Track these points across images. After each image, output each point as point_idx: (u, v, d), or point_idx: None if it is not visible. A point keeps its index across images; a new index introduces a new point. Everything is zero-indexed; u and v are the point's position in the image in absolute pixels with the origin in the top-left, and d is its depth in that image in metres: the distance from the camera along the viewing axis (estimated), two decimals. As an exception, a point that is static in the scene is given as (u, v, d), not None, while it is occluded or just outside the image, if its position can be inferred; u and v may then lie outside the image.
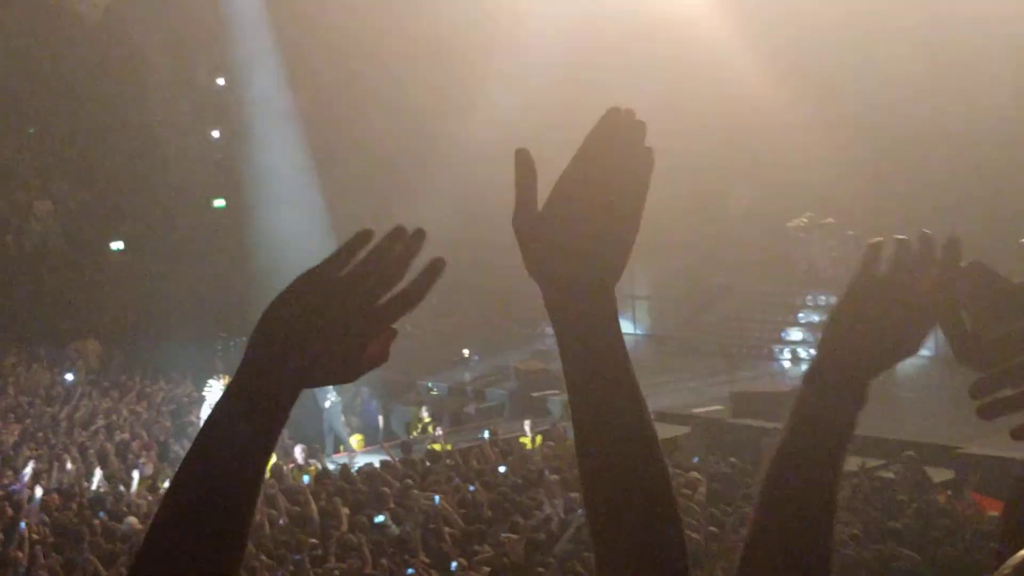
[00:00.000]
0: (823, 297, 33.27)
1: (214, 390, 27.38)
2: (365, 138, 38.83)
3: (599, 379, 2.16)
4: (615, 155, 2.18)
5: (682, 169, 36.52)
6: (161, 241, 37.83)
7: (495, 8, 37.62)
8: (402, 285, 2.06)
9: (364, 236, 2.06)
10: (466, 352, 34.79)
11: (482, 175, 36.80)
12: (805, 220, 34.86)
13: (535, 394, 29.87)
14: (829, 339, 2.41)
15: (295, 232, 36.34)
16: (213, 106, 41.75)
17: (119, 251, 38.77)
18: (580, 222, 2.12)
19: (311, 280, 2.05)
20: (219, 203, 40.60)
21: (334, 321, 2.02)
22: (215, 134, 41.76)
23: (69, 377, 31.75)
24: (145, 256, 37.76)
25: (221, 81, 42.08)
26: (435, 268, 2.05)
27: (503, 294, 36.50)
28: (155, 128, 39.39)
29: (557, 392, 29.89)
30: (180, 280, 36.28)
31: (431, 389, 32.32)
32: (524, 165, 2.13)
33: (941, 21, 33.69)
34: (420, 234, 2.08)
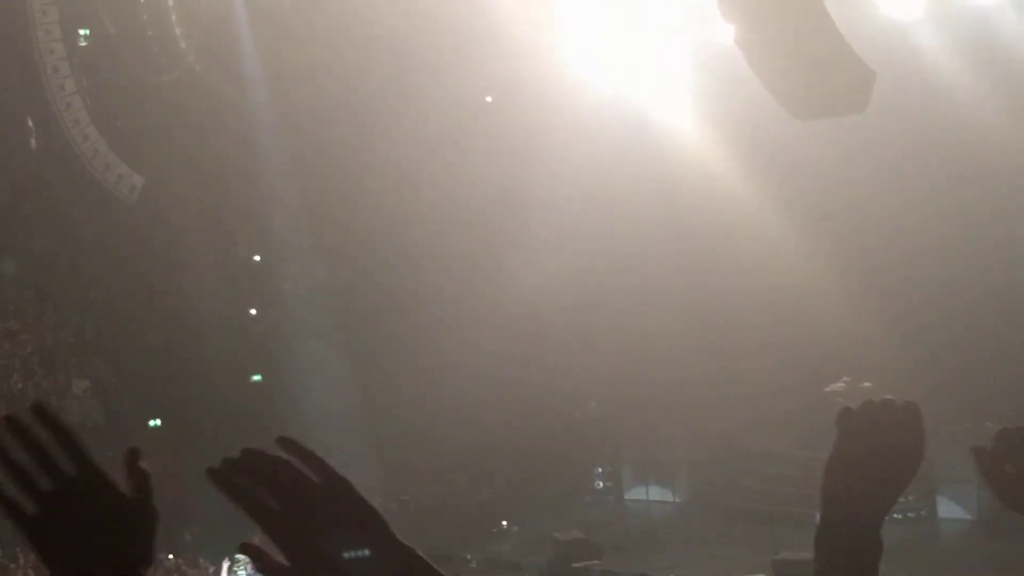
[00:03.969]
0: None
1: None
2: (401, 310, 39.08)
3: None
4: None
5: (708, 333, 36.76)
6: (199, 417, 37.83)
7: (528, 177, 38.20)
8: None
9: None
10: (504, 523, 34.51)
11: (517, 344, 36.99)
12: (842, 385, 34.68)
13: (576, 564, 29.52)
14: (831, 496, 2.53)
15: (333, 407, 36.47)
16: (250, 282, 42.12)
17: (157, 427, 38.79)
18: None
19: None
20: (256, 378, 40.74)
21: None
22: (252, 312, 42.07)
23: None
24: (183, 432, 37.73)
25: (257, 258, 42.54)
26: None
27: (540, 461, 36.37)
28: (192, 304, 39.70)
29: (599, 562, 29.57)
30: (218, 455, 36.21)
31: (469, 561, 32.00)
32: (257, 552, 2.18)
33: (962, 167, 34.05)
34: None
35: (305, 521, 2.09)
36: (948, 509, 30.66)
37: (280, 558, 2.10)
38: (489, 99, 39.96)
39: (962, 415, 31.82)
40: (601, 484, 37.73)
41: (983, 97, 33.89)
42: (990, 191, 34.15)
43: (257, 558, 2.09)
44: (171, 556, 31.52)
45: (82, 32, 39.87)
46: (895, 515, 30.67)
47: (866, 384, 34.42)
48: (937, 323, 33.72)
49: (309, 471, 2.16)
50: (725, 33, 27.77)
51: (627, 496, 37.37)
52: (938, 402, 32.67)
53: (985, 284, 33.65)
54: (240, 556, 28.26)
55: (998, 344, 32.42)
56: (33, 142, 40.12)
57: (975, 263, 34.02)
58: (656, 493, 36.69)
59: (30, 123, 39.79)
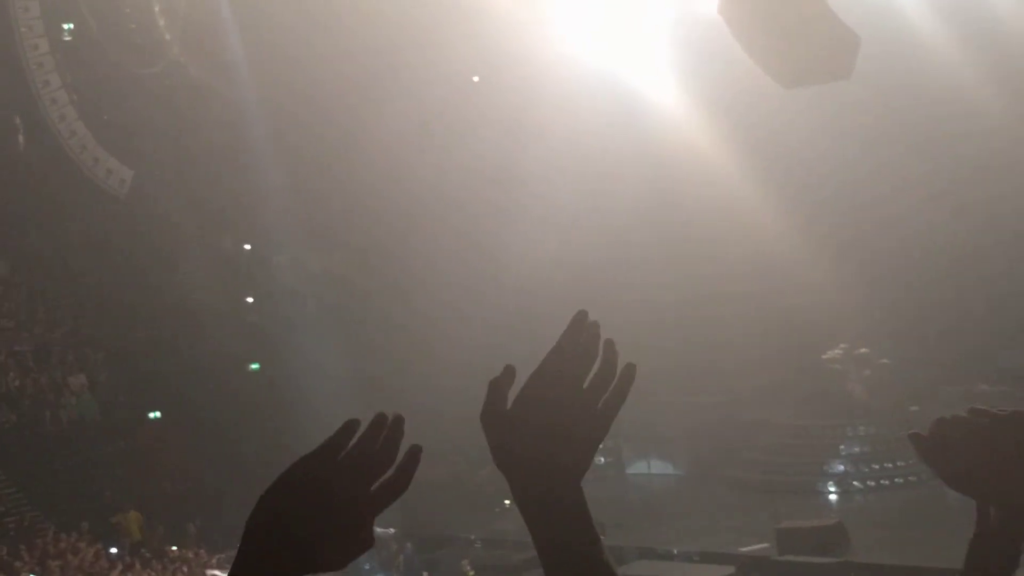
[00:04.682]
0: (862, 428, 33.07)
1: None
2: (396, 292, 39.09)
3: (571, 567, 2.30)
4: (585, 362, 2.32)
5: (701, 306, 36.81)
6: (198, 407, 37.85)
7: (518, 156, 38.19)
8: (390, 473, 2.12)
9: (351, 426, 2.13)
10: (507, 502, 34.53)
11: (512, 321, 37.00)
12: (839, 351, 34.72)
13: (579, 542, 29.51)
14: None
15: (331, 392, 36.45)
16: (244, 271, 42.11)
17: (156, 420, 38.80)
18: (547, 422, 2.26)
19: (307, 468, 2.10)
20: (254, 366, 40.73)
21: (332, 508, 2.07)
22: (249, 300, 42.07)
23: (114, 551, 31.62)
24: (183, 423, 37.76)
25: (248, 246, 42.53)
26: (414, 457, 2.14)
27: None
28: (186, 296, 39.66)
29: (602, 537, 29.53)
30: (219, 445, 36.27)
31: (474, 541, 32.04)
32: (507, 373, 2.31)
33: (937, 129, 34.09)
34: (399, 420, 2.16)
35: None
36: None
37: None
38: (476, 79, 39.94)
39: (956, 377, 31.94)
40: (602, 460, 37.76)
41: (963, 63, 33.88)
42: (979, 156, 34.15)
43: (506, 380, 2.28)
44: (175, 548, 31.56)
45: (65, 27, 39.78)
46: (896, 479, 30.83)
47: (863, 350, 34.50)
48: (930, 289, 33.75)
49: None
50: (707, 3, 27.73)
51: (628, 471, 37.42)
52: (932, 365, 32.84)
53: (976, 251, 33.70)
54: None
55: (991, 310, 32.48)
56: (20, 139, 40.03)
57: (965, 231, 34.06)
58: (657, 467, 36.74)
59: (17, 120, 39.71)
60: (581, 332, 2.32)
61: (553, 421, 2.26)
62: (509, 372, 2.30)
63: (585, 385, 2.31)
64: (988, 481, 2.55)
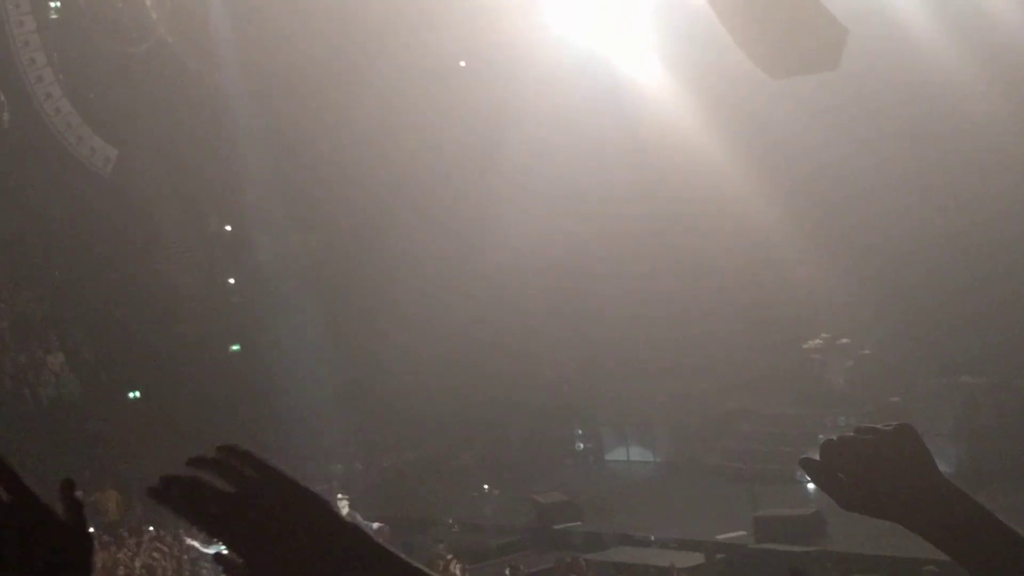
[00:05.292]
0: (842, 418, 33.12)
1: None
2: (377, 278, 39.06)
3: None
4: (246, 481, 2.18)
5: (683, 293, 36.84)
6: (178, 387, 37.79)
7: (502, 144, 38.15)
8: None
9: None
10: (485, 487, 34.57)
11: (493, 309, 37.03)
12: (820, 341, 34.77)
13: (557, 527, 29.60)
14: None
15: (312, 375, 36.46)
16: (226, 252, 42.05)
17: (136, 399, 38.75)
18: (278, 541, 2.12)
19: None
20: (235, 348, 40.69)
21: None
22: (231, 281, 42.02)
23: (91, 530, 31.59)
24: (163, 403, 37.67)
25: (228, 227, 42.47)
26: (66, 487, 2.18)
27: (519, 424, 36.45)
28: (168, 276, 39.60)
29: (580, 523, 29.65)
30: (199, 426, 36.18)
31: (452, 525, 32.06)
32: (232, 565, 2.15)
33: (932, 120, 34.11)
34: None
35: (247, 516, 2.08)
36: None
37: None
38: (463, 63, 39.87)
39: (940, 370, 32.00)
40: (581, 446, 37.80)
41: (954, 54, 33.90)
42: (961, 150, 34.18)
43: (227, 567, 2.10)
44: (151, 528, 31.54)
45: (53, 5, 39.63)
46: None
47: (844, 340, 34.54)
48: (915, 281, 33.79)
49: (247, 469, 2.13)
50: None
51: (607, 457, 37.44)
52: (916, 357, 32.88)
53: (959, 242, 33.74)
54: None
55: (974, 301, 32.52)
56: (5, 116, 39.87)
57: (949, 222, 34.09)
58: (636, 453, 36.76)
59: (2, 97, 39.56)
60: (231, 465, 2.21)
61: (279, 532, 2.12)
62: (234, 563, 2.16)
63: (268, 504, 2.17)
64: (879, 499, 2.55)
